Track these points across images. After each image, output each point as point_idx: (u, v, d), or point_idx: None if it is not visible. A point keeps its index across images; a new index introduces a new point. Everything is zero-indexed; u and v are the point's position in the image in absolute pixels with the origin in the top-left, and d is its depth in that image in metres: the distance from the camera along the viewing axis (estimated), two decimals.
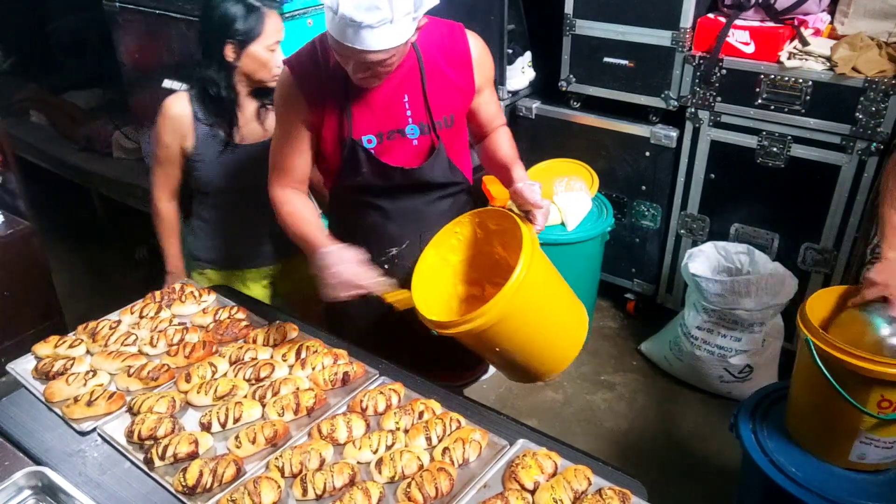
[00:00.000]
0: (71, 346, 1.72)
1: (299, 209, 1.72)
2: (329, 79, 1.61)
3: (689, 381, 2.95)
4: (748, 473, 1.90)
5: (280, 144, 1.72)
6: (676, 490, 2.50)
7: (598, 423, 2.83)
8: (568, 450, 1.42)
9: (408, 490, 1.29)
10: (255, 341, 1.73)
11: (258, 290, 2.23)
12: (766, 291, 2.61)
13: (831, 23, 2.69)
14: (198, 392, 1.55)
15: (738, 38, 2.64)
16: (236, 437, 1.42)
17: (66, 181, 3.93)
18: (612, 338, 3.30)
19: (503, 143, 1.78)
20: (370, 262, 1.62)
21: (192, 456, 1.39)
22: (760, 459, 1.79)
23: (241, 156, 2.01)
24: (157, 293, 1.93)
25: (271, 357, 1.67)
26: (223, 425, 1.47)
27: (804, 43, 2.58)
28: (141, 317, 1.84)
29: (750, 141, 2.73)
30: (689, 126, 2.86)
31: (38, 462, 1.39)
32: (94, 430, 1.48)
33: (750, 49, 2.63)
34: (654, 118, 2.99)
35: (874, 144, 2.47)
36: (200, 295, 1.92)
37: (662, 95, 2.88)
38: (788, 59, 2.56)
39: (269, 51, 1.89)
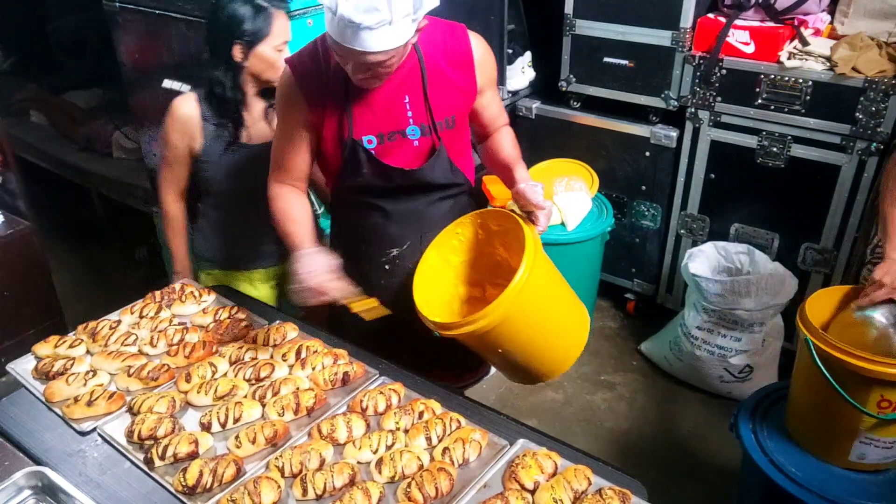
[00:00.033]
0: (71, 346, 1.72)
1: (289, 207, 1.72)
2: (330, 79, 1.61)
3: (689, 381, 2.95)
4: (748, 473, 1.90)
5: (280, 142, 1.73)
6: (676, 490, 2.50)
7: (598, 423, 2.83)
8: (568, 450, 1.42)
9: (408, 490, 1.29)
10: (255, 341, 1.73)
11: (265, 290, 2.23)
12: (766, 291, 2.61)
13: (831, 23, 2.69)
14: (198, 392, 1.55)
15: (738, 38, 2.64)
16: (236, 437, 1.42)
17: (66, 181, 3.93)
18: (612, 338, 3.30)
19: (506, 143, 1.78)
20: (368, 264, 1.62)
21: (192, 456, 1.39)
22: (760, 459, 1.79)
23: (248, 156, 2.01)
24: (157, 293, 1.93)
25: (271, 357, 1.67)
26: (223, 425, 1.47)
27: (804, 43, 2.58)
28: (141, 317, 1.84)
29: (750, 141, 2.73)
30: (689, 126, 2.86)
31: (38, 462, 1.40)
32: (94, 430, 1.49)
33: (750, 49, 2.63)
34: (654, 118, 2.99)
35: (874, 144, 2.47)
36: (200, 295, 1.92)
37: (662, 95, 2.88)
38: (788, 59, 2.56)
39: (277, 51, 1.90)
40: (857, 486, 1.71)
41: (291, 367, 1.65)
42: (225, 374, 1.62)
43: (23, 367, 1.68)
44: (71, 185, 3.95)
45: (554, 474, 1.33)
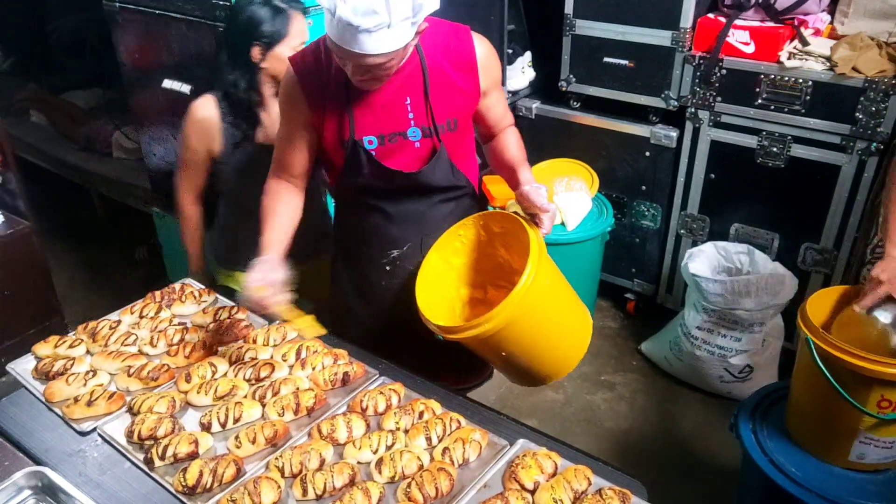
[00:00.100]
0: (71, 346, 1.72)
1: (274, 205, 1.71)
2: (331, 79, 1.61)
3: (689, 381, 2.95)
4: (748, 473, 1.90)
5: (281, 140, 1.73)
6: (676, 490, 2.50)
7: (598, 423, 2.83)
8: (568, 450, 1.42)
9: (408, 490, 1.29)
10: (255, 341, 1.73)
11: (312, 287, 2.22)
12: (766, 291, 2.61)
13: (831, 23, 2.69)
14: (198, 392, 1.55)
15: (738, 38, 2.64)
16: (236, 437, 1.42)
17: (66, 181, 3.93)
18: (612, 338, 3.30)
19: (511, 144, 1.78)
20: (368, 265, 1.61)
21: (192, 456, 1.39)
22: (760, 459, 1.79)
23: (265, 157, 2.01)
24: (157, 293, 1.93)
25: (271, 357, 1.67)
26: (223, 425, 1.47)
27: (804, 43, 2.58)
28: (141, 317, 1.84)
29: (750, 141, 2.73)
30: (689, 126, 2.86)
31: (38, 462, 1.39)
32: (94, 430, 1.48)
33: (750, 49, 2.63)
34: (654, 118, 2.99)
35: (874, 144, 2.47)
36: (200, 295, 1.92)
37: (662, 95, 2.88)
38: (788, 59, 2.56)
39: (295, 52, 1.91)
40: (857, 485, 1.71)
41: (291, 367, 1.64)
42: (225, 374, 1.62)
43: (23, 367, 1.68)
44: (71, 185, 3.95)
45: (554, 474, 1.33)
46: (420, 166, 1.69)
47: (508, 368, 1.71)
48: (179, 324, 1.82)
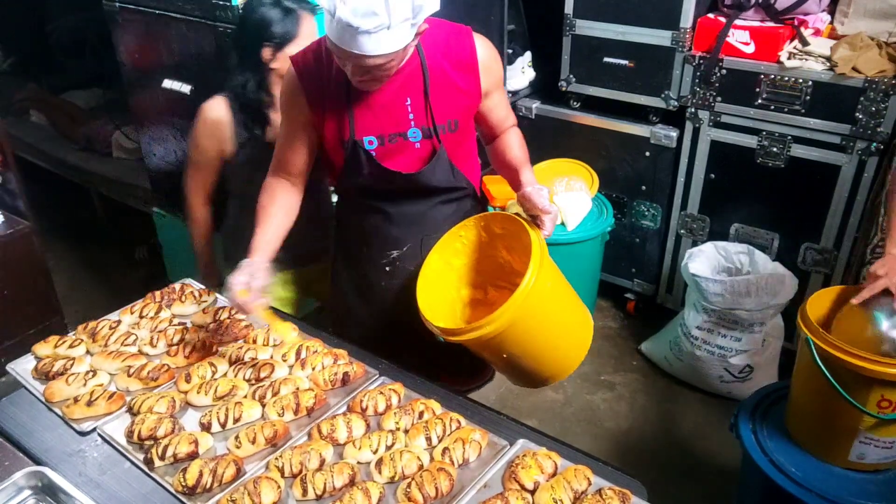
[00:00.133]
0: (71, 346, 1.72)
1: (270, 205, 1.71)
2: (332, 78, 1.61)
3: (689, 381, 2.95)
4: (748, 473, 1.90)
5: (281, 138, 1.74)
6: (676, 490, 2.50)
7: (598, 423, 2.83)
8: (568, 450, 1.42)
9: (408, 490, 1.29)
10: (255, 341, 1.73)
11: (320, 287, 2.22)
12: (766, 291, 2.61)
13: (831, 23, 2.69)
14: (198, 392, 1.55)
15: (738, 38, 2.64)
16: (236, 437, 1.42)
17: (66, 181, 3.93)
18: (612, 338, 3.30)
19: (513, 145, 1.77)
20: (368, 265, 1.61)
21: (192, 456, 1.39)
22: (760, 459, 1.79)
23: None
24: (157, 293, 1.93)
25: (271, 357, 1.67)
26: (223, 425, 1.47)
27: (804, 43, 2.58)
28: (141, 317, 1.84)
29: (750, 141, 2.73)
30: (689, 126, 2.86)
31: (38, 462, 1.39)
32: (94, 430, 1.48)
33: (750, 49, 2.63)
34: (654, 118, 2.99)
35: (874, 144, 2.47)
36: (200, 295, 1.92)
37: (662, 95, 2.88)
38: (788, 59, 2.56)
39: None
40: (857, 485, 1.71)
41: (291, 367, 1.64)
42: (225, 374, 1.62)
43: (23, 367, 1.68)
44: (71, 185, 3.95)
45: (554, 474, 1.33)
46: (420, 167, 1.69)
47: (510, 370, 1.71)
48: (179, 324, 1.82)
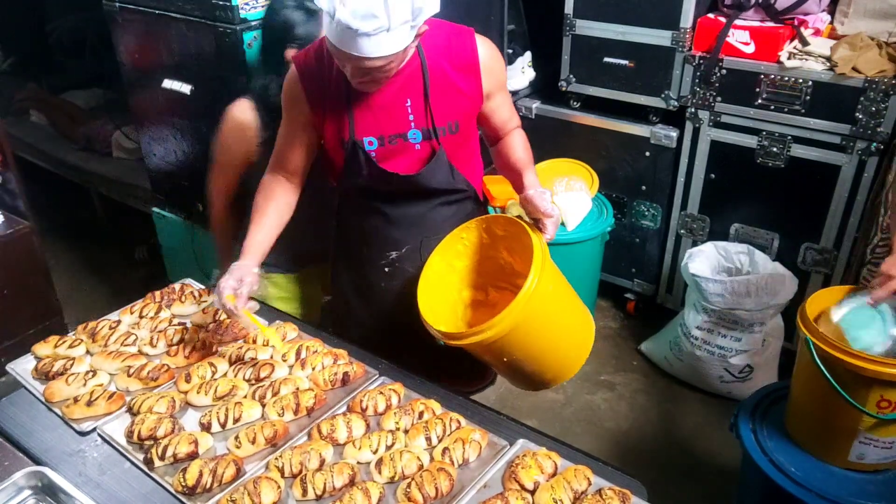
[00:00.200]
0: (71, 347, 1.72)
1: (266, 204, 1.71)
2: (333, 78, 1.61)
3: (689, 381, 2.95)
4: (748, 473, 1.90)
5: (281, 136, 1.74)
6: (676, 490, 2.50)
7: (598, 423, 2.83)
8: (568, 450, 1.42)
9: (408, 490, 1.29)
10: (254, 341, 1.73)
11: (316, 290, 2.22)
12: (766, 291, 2.61)
13: (831, 23, 2.69)
14: (198, 392, 1.55)
15: (738, 38, 2.64)
16: (236, 437, 1.42)
17: (65, 181, 3.93)
18: (612, 338, 3.30)
19: (517, 147, 1.77)
20: (368, 266, 1.61)
21: (192, 456, 1.39)
22: (760, 459, 1.79)
23: None
24: (157, 293, 1.93)
25: (271, 357, 1.67)
26: (223, 425, 1.47)
27: (804, 43, 2.58)
28: (141, 317, 1.84)
29: (750, 141, 2.73)
30: (689, 126, 2.86)
31: (38, 462, 1.39)
32: (93, 430, 1.48)
33: (750, 49, 2.63)
34: (654, 118, 2.99)
35: (874, 144, 2.47)
36: (200, 295, 1.92)
37: (662, 95, 2.88)
38: (788, 59, 2.56)
39: None
40: (857, 485, 1.71)
41: (291, 367, 1.64)
42: (225, 375, 1.62)
43: (23, 367, 1.68)
44: (71, 185, 3.95)
45: (554, 474, 1.33)
46: (419, 168, 1.69)
47: (511, 373, 1.71)
48: (179, 324, 1.82)
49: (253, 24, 2.20)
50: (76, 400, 1.53)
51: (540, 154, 3.19)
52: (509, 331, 1.46)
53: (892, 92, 2.38)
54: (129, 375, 1.61)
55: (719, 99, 2.74)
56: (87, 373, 1.61)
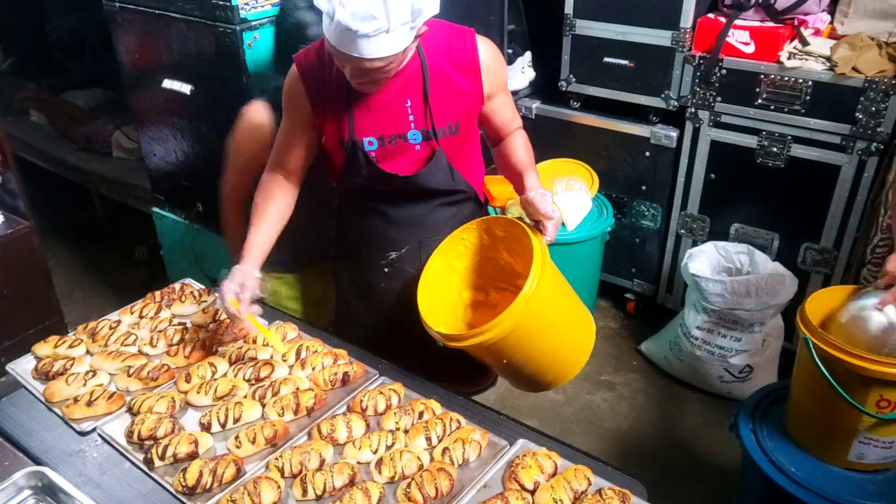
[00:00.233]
0: (71, 347, 1.72)
1: (265, 204, 1.71)
2: (333, 78, 1.60)
3: (689, 381, 2.95)
4: (748, 473, 1.90)
5: (281, 135, 1.74)
6: (676, 490, 2.50)
7: (598, 423, 2.83)
8: (568, 450, 1.42)
9: (408, 490, 1.29)
10: (255, 341, 1.73)
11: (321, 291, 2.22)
12: (766, 291, 2.61)
13: (831, 23, 2.69)
14: (198, 392, 1.55)
15: (738, 38, 2.64)
16: (236, 437, 1.42)
17: (65, 181, 3.93)
18: (612, 338, 3.30)
19: (518, 148, 1.76)
20: (367, 266, 1.61)
21: (192, 456, 1.39)
22: (760, 459, 1.79)
23: None
24: (157, 293, 1.93)
25: (271, 357, 1.67)
26: (223, 425, 1.47)
27: (804, 43, 2.58)
28: (141, 317, 1.84)
29: (750, 141, 2.73)
30: (689, 126, 2.86)
31: (38, 462, 1.39)
32: (94, 430, 1.48)
33: (750, 49, 2.63)
34: (654, 118, 2.99)
35: (874, 144, 2.47)
36: (200, 295, 1.92)
37: (662, 95, 2.88)
38: (788, 59, 2.56)
39: None
40: (857, 485, 1.71)
41: (291, 367, 1.64)
42: (225, 374, 1.62)
43: (23, 367, 1.68)
44: (71, 185, 3.95)
45: (554, 474, 1.33)
46: (419, 169, 1.69)
47: (511, 374, 1.71)
48: (179, 324, 1.82)
49: (253, 24, 2.20)
50: (76, 400, 1.53)
51: (540, 154, 3.18)
52: (509, 332, 1.46)
53: (892, 92, 2.38)
54: (129, 375, 1.61)
55: (719, 99, 2.74)
56: (87, 373, 1.61)
